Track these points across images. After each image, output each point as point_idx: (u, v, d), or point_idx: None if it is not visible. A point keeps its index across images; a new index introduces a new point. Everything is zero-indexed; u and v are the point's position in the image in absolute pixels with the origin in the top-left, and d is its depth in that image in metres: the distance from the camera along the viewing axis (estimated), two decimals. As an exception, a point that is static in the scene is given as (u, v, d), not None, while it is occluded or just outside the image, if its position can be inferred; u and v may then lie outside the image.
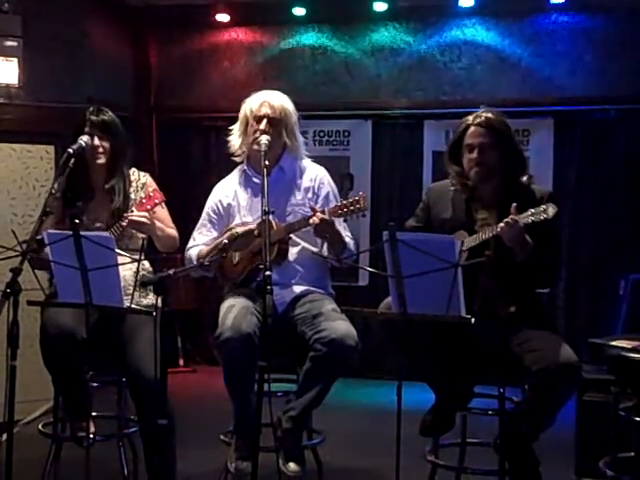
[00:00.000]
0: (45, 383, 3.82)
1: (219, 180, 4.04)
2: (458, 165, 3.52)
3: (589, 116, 6.30)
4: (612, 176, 6.27)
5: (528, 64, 6.42)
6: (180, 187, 6.77)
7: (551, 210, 3.13)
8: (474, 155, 3.42)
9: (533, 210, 3.17)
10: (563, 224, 6.26)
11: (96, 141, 3.70)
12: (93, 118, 3.71)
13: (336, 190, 3.91)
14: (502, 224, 3.21)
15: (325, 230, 3.53)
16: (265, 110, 3.72)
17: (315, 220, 3.47)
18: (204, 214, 3.95)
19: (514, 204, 3.21)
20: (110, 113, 3.78)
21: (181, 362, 6.88)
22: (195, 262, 3.79)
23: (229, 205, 3.88)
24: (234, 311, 3.51)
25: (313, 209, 3.51)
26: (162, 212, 3.83)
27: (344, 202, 3.51)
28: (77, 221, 3.06)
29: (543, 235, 3.28)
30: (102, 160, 3.73)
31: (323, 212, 3.49)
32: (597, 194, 6.31)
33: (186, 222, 4.10)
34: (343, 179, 6.69)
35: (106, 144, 3.73)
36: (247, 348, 3.40)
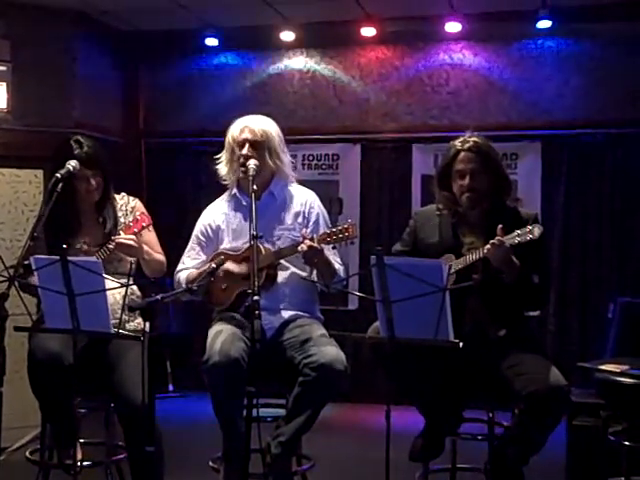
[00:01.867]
0: (32, 409, 3.79)
1: (209, 203, 4.04)
2: (447, 190, 3.53)
3: (576, 140, 6.33)
4: (600, 199, 6.30)
5: (515, 88, 6.46)
6: (169, 211, 6.76)
7: (537, 230, 3.15)
8: (466, 181, 3.43)
9: (519, 231, 3.19)
10: (552, 247, 6.28)
11: (92, 182, 3.68)
12: (78, 152, 3.64)
13: (326, 214, 3.91)
14: (489, 245, 3.23)
15: (314, 257, 3.53)
16: (245, 135, 3.73)
17: (303, 247, 3.47)
18: (193, 237, 3.95)
19: (500, 225, 3.23)
20: (89, 142, 3.73)
21: (170, 387, 6.83)
22: (184, 285, 3.78)
23: (218, 228, 3.87)
24: (222, 336, 3.49)
25: (303, 236, 3.51)
26: (150, 236, 3.82)
27: (333, 230, 3.51)
28: (65, 246, 3.04)
29: (531, 256, 3.29)
30: (97, 197, 3.74)
31: (312, 239, 3.49)
32: (585, 217, 6.33)
33: (176, 246, 4.08)
34: (332, 203, 6.70)
35: (99, 179, 3.72)
36: (235, 373, 3.38)
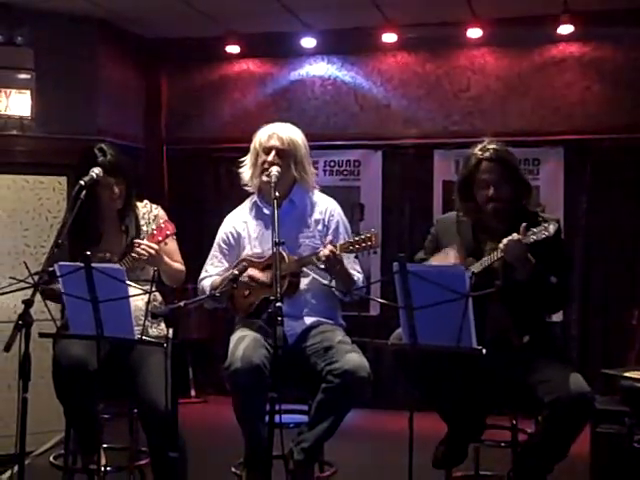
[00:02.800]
0: (56, 414, 3.81)
1: (230, 211, 4.06)
2: (469, 199, 3.51)
3: (599, 145, 6.29)
4: (623, 205, 6.25)
5: (537, 93, 6.42)
6: (191, 218, 6.78)
7: (552, 227, 3.14)
8: (490, 191, 3.41)
9: (535, 229, 3.18)
10: (574, 253, 6.24)
11: (115, 190, 3.71)
12: (101, 160, 3.67)
13: (347, 223, 3.92)
14: (505, 241, 3.21)
15: (333, 265, 3.53)
16: (273, 142, 3.75)
17: (325, 252, 3.48)
18: (215, 245, 3.96)
19: (524, 224, 3.21)
20: (112, 150, 3.76)
21: (193, 392, 6.85)
22: (209, 292, 3.80)
23: (240, 236, 3.89)
24: (245, 342, 3.51)
25: (326, 244, 3.51)
26: (171, 245, 3.83)
27: (355, 239, 3.51)
28: (88, 253, 3.07)
29: (549, 257, 3.28)
30: (120, 205, 3.76)
31: (335, 247, 3.49)
32: (608, 222, 6.28)
33: (197, 253, 4.11)
34: (354, 209, 6.70)
35: (122, 187, 3.75)
36: (257, 379, 3.39)
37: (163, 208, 3.97)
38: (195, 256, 4.07)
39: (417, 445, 2.88)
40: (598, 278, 6.32)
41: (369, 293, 5.96)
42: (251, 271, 3.69)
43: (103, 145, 3.79)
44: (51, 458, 3.95)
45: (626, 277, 6.23)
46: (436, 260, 3.50)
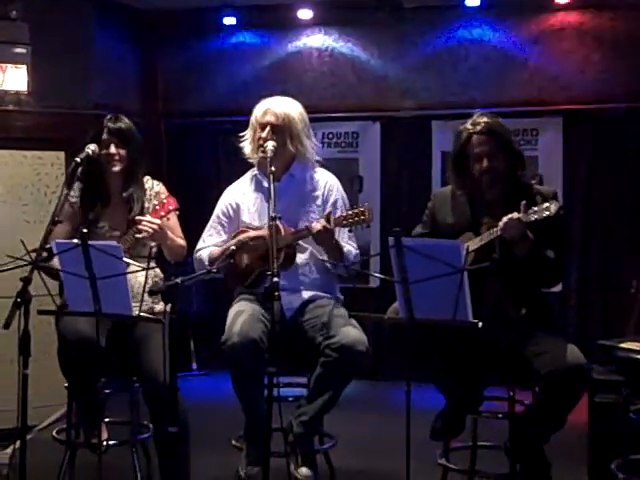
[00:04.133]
0: (60, 388, 3.83)
1: (229, 183, 4.07)
2: (465, 175, 3.51)
3: (598, 114, 6.26)
4: (622, 175, 6.24)
5: (535, 63, 6.38)
6: (190, 191, 6.73)
7: (553, 207, 3.14)
8: (484, 164, 3.41)
9: (536, 208, 3.18)
10: (573, 223, 6.25)
11: (112, 149, 3.73)
12: (110, 125, 3.75)
13: (346, 198, 3.92)
14: (505, 219, 3.21)
15: (325, 239, 3.54)
16: (268, 118, 3.74)
17: (318, 226, 3.48)
18: (214, 216, 3.98)
19: (523, 202, 3.21)
20: (127, 120, 3.83)
21: (194, 365, 6.88)
22: (206, 263, 3.81)
23: (239, 208, 3.90)
24: (242, 317, 3.53)
25: (327, 217, 3.51)
26: (173, 220, 3.85)
27: (349, 212, 3.52)
28: (85, 230, 3.08)
29: (548, 233, 3.29)
30: (117, 168, 3.76)
31: (329, 221, 3.49)
32: (607, 193, 6.27)
33: (195, 226, 4.11)
34: (353, 181, 6.69)
35: (122, 152, 3.76)
36: (254, 354, 3.42)
37: (162, 181, 3.98)
38: (194, 229, 4.07)
39: (416, 416, 2.90)
40: (597, 248, 6.32)
41: (369, 267, 5.99)
42: (250, 243, 3.71)
43: (121, 114, 3.86)
44: (54, 432, 3.98)
45: (625, 247, 6.24)
46: None
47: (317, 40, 6.83)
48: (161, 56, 7.10)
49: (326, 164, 4.03)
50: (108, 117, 3.79)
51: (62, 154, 5.83)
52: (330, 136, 6.81)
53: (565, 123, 6.33)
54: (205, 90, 7.03)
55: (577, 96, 6.30)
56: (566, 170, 6.33)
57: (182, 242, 3.85)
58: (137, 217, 3.65)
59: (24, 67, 5.80)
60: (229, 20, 6.81)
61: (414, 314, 2.91)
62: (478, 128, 3.43)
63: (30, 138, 5.83)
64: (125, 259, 3.09)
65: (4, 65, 5.75)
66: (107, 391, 3.87)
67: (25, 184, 5.74)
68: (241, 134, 3.90)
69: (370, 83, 6.74)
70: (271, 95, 3.92)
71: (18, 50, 5.78)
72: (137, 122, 6.60)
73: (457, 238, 3.42)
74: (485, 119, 3.46)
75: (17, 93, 5.80)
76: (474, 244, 3.36)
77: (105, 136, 3.72)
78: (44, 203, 5.74)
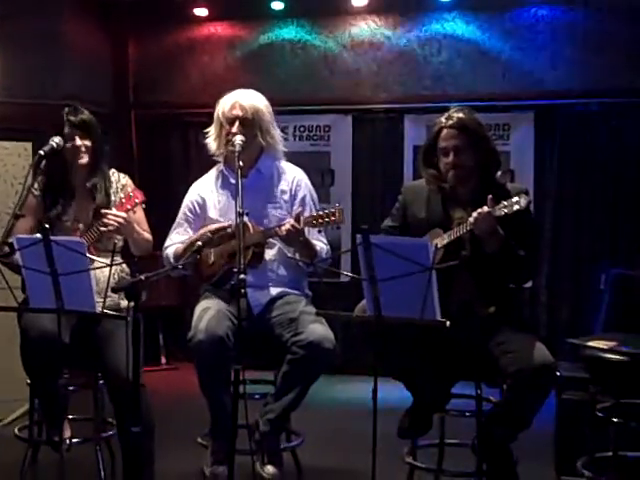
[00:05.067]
0: (23, 384, 3.77)
1: (199, 175, 4.02)
2: (433, 168, 3.49)
3: (570, 110, 6.28)
4: (593, 170, 6.26)
5: (508, 58, 6.38)
6: (160, 183, 6.71)
7: (523, 201, 3.11)
8: (450, 159, 3.38)
9: (506, 202, 3.15)
10: (544, 218, 6.27)
11: (77, 141, 3.68)
12: (72, 118, 3.68)
13: (314, 193, 3.88)
14: (475, 214, 3.19)
15: (294, 239, 3.50)
16: (236, 112, 3.68)
17: (286, 227, 3.44)
18: (180, 213, 3.93)
19: (490, 196, 3.18)
20: (86, 112, 3.76)
21: (163, 360, 6.84)
22: (172, 260, 3.77)
23: (205, 205, 3.85)
24: (209, 314, 3.49)
25: (296, 217, 3.47)
26: (139, 214, 3.79)
27: (319, 213, 3.47)
28: (47, 225, 3.01)
29: (518, 229, 3.27)
30: (85, 160, 3.71)
31: (298, 221, 3.45)
32: (578, 188, 6.30)
33: (166, 220, 4.05)
34: (324, 175, 6.67)
35: (88, 143, 3.71)
36: (220, 351, 3.38)
37: (132, 174, 3.93)
38: (164, 223, 4.02)
39: (385, 413, 2.89)
40: (567, 244, 6.35)
41: (339, 263, 5.95)
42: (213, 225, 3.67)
43: (79, 106, 3.79)
44: (16, 430, 3.93)
45: (595, 242, 6.27)
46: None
47: (289, 32, 6.78)
48: (132, 47, 7.03)
49: (298, 157, 4.00)
50: (67, 110, 3.72)
51: (29, 145, 5.75)
52: (302, 129, 6.77)
53: (537, 118, 6.34)
54: (176, 82, 6.97)
55: (549, 91, 6.31)
56: (537, 165, 6.34)
57: (148, 236, 3.80)
58: (103, 210, 3.60)
59: (-8, 57, 5.73)
60: (200, 11, 6.76)
61: (382, 312, 2.88)
62: (450, 122, 3.40)
63: (-3, 128, 5.76)
64: (89, 255, 3.03)
65: (-29, 55, 5.68)
66: (71, 388, 3.83)
67: (-9, 175, 5.66)
68: (206, 130, 3.85)
69: (343, 76, 6.71)
70: (241, 87, 3.86)
71: (-16, 39, 5.71)
72: (106, 113, 6.67)
73: (427, 233, 3.40)
74: (460, 114, 3.42)
75: (-15, 83, 5.74)
76: (443, 240, 3.33)
77: (67, 129, 3.66)
78: (10, 194, 5.66)
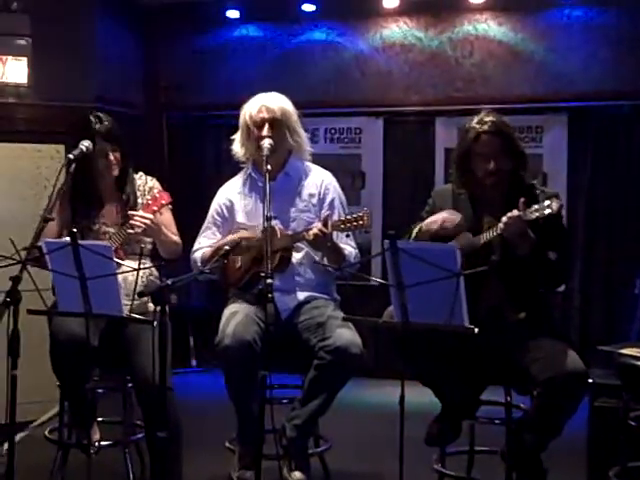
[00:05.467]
0: (55, 385, 3.79)
1: (230, 177, 4.01)
2: (468, 173, 3.44)
3: (603, 112, 6.18)
4: (627, 172, 6.15)
5: (541, 59, 6.29)
6: (192, 185, 6.73)
7: (555, 205, 3.08)
8: (491, 165, 3.34)
9: (537, 206, 3.12)
10: (577, 221, 6.18)
11: (110, 156, 3.68)
12: (100, 129, 3.66)
13: (343, 196, 3.86)
14: (505, 219, 3.16)
15: (322, 244, 3.48)
16: (264, 114, 3.68)
17: (314, 231, 3.42)
18: (209, 217, 3.93)
19: (522, 199, 3.15)
20: (108, 117, 3.74)
21: (194, 362, 6.85)
22: (199, 264, 3.77)
23: (233, 208, 3.84)
24: (236, 318, 3.48)
25: (324, 221, 3.44)
26: (167, 216, 3.79)
27: (347, 217, 3.45)
28: (74, 230, 3.03)
29: (549, 233, 3.23)
30: (117, 172, 3.74)
31: (326, 225, 3.43)
32: (612, 190, 6.19)
33: (197, 220, 4.05)
34: (355, 177, 6.64)
35: (118, 155, 3.72)
36: (247, 356, 3.37)
37: (163, 176, 3.94)
38: (195, 225, 4.02)
39: (416, 417, 2.88)
40: (601, 247, 6.24)
41: (370, 267, 5.91)
42: (244, 243, 3.66)
43: (99, 112, 3.76)
44: (46, 432, 3.95)
45: (630, 246, 6.15)
46: (429, 220, 3.44)
47: (321, 34, 6.75)
48: (163, 49, 7.03)
49: (328, 160, 3.98)
50: (92, 120, 3.68)
51: (62, 147, 5.77)
52: (333, 131, 6.74)
53: (570, 120, 6.25)
54: (207, 84, 6.97)
55: (583, 93, 6.20)
56: (571, 168, 6.24)
57: (176, 238, 3.80)
58: (129, 212, 3.60)
59: (24, 59, 5.77)
60: (232, 13, 6.75)
61: (409, 318, 2.85)
62: (486, 127, 3.35)
63: (30, 131, 5.80)
64: (116, 259, 3.04)
65: (4, 57, 5.72)
66: (100, 391, 3.85)
67: (24, 177, 5.70)
68: (232, 137, 3.85)
69: (374, 78, 6.65)
70: (273, 89, 3.86)
71: (18, 42, 5.75)
72: (138, 115, 6.70)
73: (455, 237, 3.37)
74: (492, 118, 3.38)
75: (17, 85, 5.77)
76: (473, 242, 3.30)
77: (99, 144, 3.63)
78: (44, 197, 5.64)
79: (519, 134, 6.13)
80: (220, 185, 4.04)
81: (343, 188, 3.92)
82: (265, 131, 3.64)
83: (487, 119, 3.36)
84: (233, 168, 4.09)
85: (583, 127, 6.24)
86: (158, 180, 3.92)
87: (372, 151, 6.67)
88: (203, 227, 3.92)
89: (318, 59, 6.76)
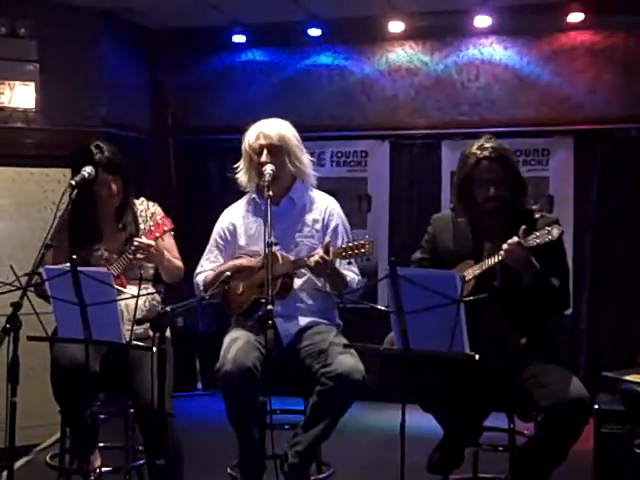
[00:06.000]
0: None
1: (237, 200, 4.00)
2: (467, 199, 3.43)
3: (609, 135, 6.18)
4: (634, 195, 6.14)
5: (547, 83, 6.30)
6: (198, 208, 6.73)
7: (555, 231, 3.07)
8: (491, 191, 3.33)
9: (538, 233, 3.11)
10: (584, 244, 6.17)
11: (112, 186, 3.68)
12: (101, 160, 3.65)
13: (347, 223, 3.84)
14: (506, 246, 3.14)
15: (323, 270, 3.47)
16: (262, 141, 3.68)
17: (315, 258, 3.41)
18: (212, 240, 3.92)
19: (523, 227, 3.14)
20: (109, 147, 3.73)
21: (199, 385, 6.83)
22: (202, 288, 3.76)
23: (236, 232, 3.84)
24: (237, 344, 3.47)
25: (325, 248, 3.43)
26: (168, 241, 3.80)
27: (349, 245, 3.44)
28: (74, 256, 3.03)
29: (550, 259, 3.21)
30: (118, 202, 3.73)
31: (327, 252, 3.42)
32: (619, 214, 6.18)
33: (204, 242, 4.05)
34: (361, 200, 6.65)
35: (119, 183, 3.71)
36: (248, 382, 3.35)
37: (170, 200, 3.94)
38: (201, 248, 4.01)
39: (417, 441, 2.85)
40: (608, 270, 6.22)
41: (376, 291, 5.88)
42: (245, 269, 3.66)
43: (99, 142, 3.76)
44: (47, 458, 3.94)
45: (637, 269, 6.13)
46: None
47: (326, 58, 6.79)
48: (170, 74, 7.07)
49: (334, 183, 3.97)
50: (93, 150, 3.68)
51: (69, 171, 5.75)
52: (339, 155, 6.75)
53: (576, 143, 6.25)
54: (214, 108, 7.00)
55: (589, 116, 6.21)
56: (577, 191, 6.24)
57: (179, 263, 3.80)
58: (133, 238, 3.61)
59: (32, 84, 5.82)
60: (238, 38, 6.78)
61: (410, 345, 2.84)
62: (486, 153, 3.34)
63: (37, 155, 5.85)
64: (116, 286, 3.04)
65: (12, 82, 5.78)
66: (102, 416, 3.83)
67: (32, 201, 5.73)
68: (235, 165, 3.86)
69: (380, 102, 6.69)
70: (279, 114, 3.87)
71: (26, 67, 5.81)
72: (145, 139, 6.73)
73: (458, 264, 3.36)
74: (492, 144, 3.37)
75: (25, 110, 5.82)
76: (473, 272, 3.28)
77: (100, 174, 3.63)
78: (50, 220, 5.70)
79: (525, 157, 6.15)
80: (224, 208, 4.04)
81: (349, 211, 3.92)
82: (264, 157, 3.64)
83: (487, 145, 3.35)
84: (239, 191, 4.11)
85: (589, 150, 6.24)
86: (165, 203, 3.93)
87: (378, 174, 6.68)
88: (206, 250, 3.92)
89: (324, 83, 6.79)
